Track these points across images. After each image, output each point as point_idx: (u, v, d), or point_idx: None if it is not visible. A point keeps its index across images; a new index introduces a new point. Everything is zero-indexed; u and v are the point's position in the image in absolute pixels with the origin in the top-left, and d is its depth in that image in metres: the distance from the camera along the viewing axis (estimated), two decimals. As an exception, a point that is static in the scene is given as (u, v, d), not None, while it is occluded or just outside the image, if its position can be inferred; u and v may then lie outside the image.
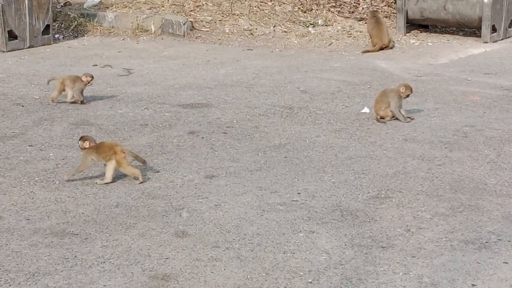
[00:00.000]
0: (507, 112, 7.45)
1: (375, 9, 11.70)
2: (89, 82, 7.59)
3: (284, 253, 4.45)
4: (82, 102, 7.58)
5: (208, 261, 4.35)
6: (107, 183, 5.53)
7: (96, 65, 9.52)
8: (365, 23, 11.49)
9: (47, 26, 10.80)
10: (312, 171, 5.80)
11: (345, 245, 4.57)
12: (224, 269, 4.25)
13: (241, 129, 6.82)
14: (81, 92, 7.62)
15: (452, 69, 9.41)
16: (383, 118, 7.06)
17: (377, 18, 10.62)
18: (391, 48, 10.49)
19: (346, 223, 4.87)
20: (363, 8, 12.41)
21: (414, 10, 11.25)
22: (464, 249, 4.55)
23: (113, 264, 4.31)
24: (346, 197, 5.30)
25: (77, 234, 4.69)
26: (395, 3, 11.64)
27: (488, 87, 8.44)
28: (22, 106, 7.61)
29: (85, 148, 5.59)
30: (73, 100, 7.55)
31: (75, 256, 4.40)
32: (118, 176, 5.65)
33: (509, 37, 11.31)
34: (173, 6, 12.09)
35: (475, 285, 4.14)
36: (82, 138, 5.66)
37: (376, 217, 4.96)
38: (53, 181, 5.60)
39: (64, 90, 7.56)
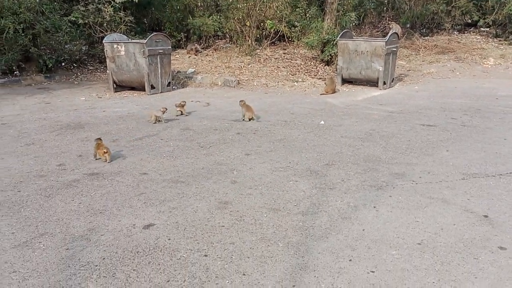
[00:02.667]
0: (391, 123, 7.39)
1: (330, 73, 11.63)
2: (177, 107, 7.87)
3: (282, 191, 4.46)
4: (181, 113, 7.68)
5: (247, 195, 4.36)
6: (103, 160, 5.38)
7: (192, 101, 9.53)
8: (323, 80, 11.43)
9: (169, 82, 10.84)
10: (296, 151, 5.79)
11: (312, 187, 4.57)
12: (254, 199, 4.26)
13: (262, 132, 6.82)
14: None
15: (364, 102, 9.33)
16: None
17: (331, 77, 10.57)
18: (335, 92, 10.42)
19: (312, 177, 4.87)
20: (321, 73, 12.34)
21: (345, 74, 11.18)
22: (370, 189, 4.52)
23: (201, 196, 4.33)
24: (313, 164, 5.29)
25: (183, 182, 4.72)
26: (336, 70, 11.57)
27: (382, 111, 8.37)
28: (158, 121, 7.66)
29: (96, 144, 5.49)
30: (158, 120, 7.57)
31: (183, 193, 4.43)
32: (203, 156, 5.67)
33: (391, 87, 11.19)
34: (229, 72, 12.13)
35: (376, 207, 4.12)
36: (97, 138, 5.55)
37: (327, 174, 4.95)
38: (172, 156, 5.62)
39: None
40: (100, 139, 5.54)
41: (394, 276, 3.06)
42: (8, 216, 3.91)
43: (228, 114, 8.12)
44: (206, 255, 3.27)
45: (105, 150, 5.36)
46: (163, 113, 7.21)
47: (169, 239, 3.49)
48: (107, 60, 10.45)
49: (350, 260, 3.25)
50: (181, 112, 7.91)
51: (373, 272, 3.11)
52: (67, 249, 3.36)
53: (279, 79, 11.71)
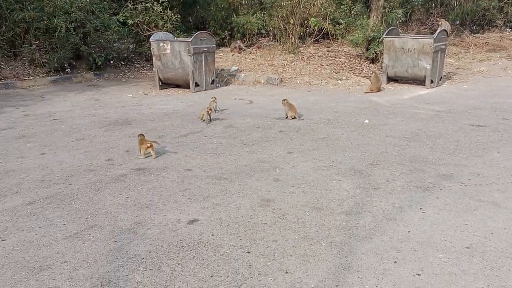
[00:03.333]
0: (438, 122, 7.18)
1: (375, 71, 11.41)
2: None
3: (325, 190, 4.42)
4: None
5: (289, 193, 4.35)
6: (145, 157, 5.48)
7: (235, 99, 9.61)
8: (368, 78, 11.26)
9: (213, 80, 10.97)
10: (339, 150, 5.73)
11: (356, 187, 4.51)
12: (297, 197, 4.25)
13: (305, 130, 6.79)
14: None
15: (410, 101, 9.11)
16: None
17: (376, 75, 10.36)
18: (380, 90, 10.23)
19: (356, 176, 4.80)
20: (365, 71, 12.14)
21: (391, 72, 10.94)
22: (416, 191, 4.42)
23: (244, 193, 4.36)
24: (356, 163, 5.22)
25: (226, 179, 4.77)
26: (382, 68, 11.34)
27: (429, 110, 8.15)
28: (203, 120, 7.77)
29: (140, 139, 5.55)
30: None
31: (226, 189, 4.47)
32: (246, 154, 5.70)
33: (439, 86, 10.86)
34: (272, 70, 12.14)
35: (422, 209, 4.02)
36: (140, 134, 5.63)
37: (371, 174, 4.88)
38: (215, 153, 5.69)
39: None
40: (142, 134, 5.66)
41: (441, 280, 2.97)
42: (60, 208, 4.08)
43: (270, 112, 8.13)
44: (249, 252, 3.29)
45: (148, 145, 5.47)
46: (208, 114, 7.18)
47: (212, 235, 3.54)
48: (154, 58, 10.69)
49: (395, 262, 3.19)
50: (209, 112, 7.57)
51: (419, 275, 3.03)
52: (115, 241, 3.47)
53: (323, 77, 11.61)
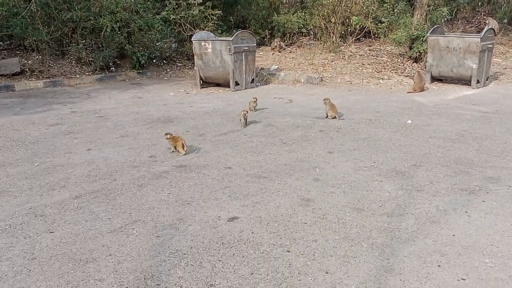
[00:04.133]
0: (485, 124, 6.94)
1: (418, 70, 11.13)
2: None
3: (367, 191, 4.36)
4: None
5: (329, 193, 4.32)
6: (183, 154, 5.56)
7: (275, 98, 9.62)
8: (411, 77, 11.02)
9: (253, 79, 11.02)
10: (381, 151, 5.64)
11: (398, 188, 4.43)
12: (337, 197, 4.22)
13: (345, 130, 6.72)
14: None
15: (455, 101, 8.85)
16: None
17: (419, 74, 10.12)
18: (423, 90, 9.98)
19: (398, 178, 4.71)
20: (408, 70, 11.87)
21: (435, 71, 10.66)
22: (461, 193, 4.29)
23: (283, 192, 4.36)
24: (399, 164, 5.12)
25: (266, 177, 4.78)
26: (425, 67, 11.06)
27: (475, 111, 7.89)
28: (240, 120, 7.82)
29: (168, 138, 5.63)
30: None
31: (266, 188, 4.49)
32: (285, 153, 5.70)
33: (485, 86, 10.50)
34: (313, 69, 12.07)
35: (467, 212, 3.90)
36: (166, 134, 5.68)
37: (414, 175, 4.77)
38: (255, 152, 5.71)
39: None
40: (169, 133, 5.68)
41: (486, 285, 2.88)
42: (105, 203, 4.21)
43: (310, 111, 8.08)
44: (288, 251, 3.29)
45: (182, 142, 5.53)
46: (245, 117, 6.94)
47: (252, 233, 3.56)
48: (195, 57, 10.84)
49: (439, 266, 3.11)
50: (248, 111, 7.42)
51: (463, 280, 2.95)
52: (158, 236, 3.54)
53: (364, 77, 11.45)
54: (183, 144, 5.58)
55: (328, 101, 7.47)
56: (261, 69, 12.51)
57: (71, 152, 5.84)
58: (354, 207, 4.00)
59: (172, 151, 5.67)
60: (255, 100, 8.04)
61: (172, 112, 8.19)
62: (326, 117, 7.43)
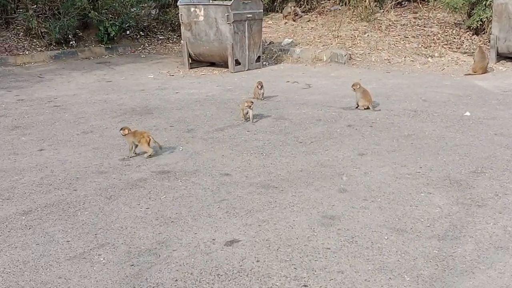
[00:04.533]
0: None
1: (480, 45, 11.07)
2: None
3: (410, 206, 4.35)
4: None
5: (361, 209, 4.32)
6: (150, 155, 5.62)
7: (288, 81, 9.63)
8: (470, 55, 10.99)
9: (259, 57, 11.05)
10: (430, 153, 5.63)
11: (452, 203, 4.42)
12: (370, 214, 4.21)
13: (382, 124, 6.71)
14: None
15: (529, 87, 8.82)
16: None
17: (481, 51, 10.06)
18: (486, 72, 9.94)
19: (453, 188, 4.70)
20: (466, 46, 11.84)
21: (503, 46, 10.62)
22: (536, 210, 4.28)
23: (299, 207, 4.37)
24: (453, 171, 5.11)
25: (276, 187, 4.79)
26: (489, 41, 11.02)
27: (555, 100, 7.86)
28: (246, 119, 7.83)
29: (125, 134, 5.63)
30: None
31: (275, 201, 4.49)
32: (302, 155, 5.71)
33: None
34: (338, 44, 12.09)
35: (544, 235, 3.88)
36: (122, 128, 5.68)
37: (474, 185, 4.76)
38: (262, 153, 5.73)
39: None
40: (127, 128, 5.64)
41: None
42: (62, 220, 4.22)
43: (335, 99, 8.08)
44: (306, 286, 3.29)
45: (147, 138, 5.51)
46: (250, 107, 6.88)
47: (258, 261, 3.56)
48: (182, 28, 10.87)
49: (506, 306, 3.10)
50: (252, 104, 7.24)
51: (540, 326, 2.93)
52: (132, 265, 3.55)
53: (407, 53, 11.44)
54: (148, 142, 5.57)
55: (358, 86, 7.45)
56: (270, 43, 12.52)
57: (17, 154, 5.86)
58: (393, 227, 3.99)
59: (132, 155, 5.63)
60: (261, 85, 8.03)
61: (151, 101, 8.21)
62: (357, 107, 7.42)
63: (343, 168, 5.23)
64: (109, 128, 6.74)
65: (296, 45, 12.31)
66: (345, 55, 11.26)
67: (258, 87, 8.07)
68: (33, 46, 12.29)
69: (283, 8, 14.78)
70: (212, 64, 11.22)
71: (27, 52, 11.97)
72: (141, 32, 13.94)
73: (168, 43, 13.71)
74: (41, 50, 12.20)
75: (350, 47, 11.92)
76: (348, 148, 5.84)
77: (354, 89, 7.46)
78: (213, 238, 3.88)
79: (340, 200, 4.49)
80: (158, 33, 14.23)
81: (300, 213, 4.26)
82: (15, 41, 12.42)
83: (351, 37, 12.45)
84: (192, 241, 3.85)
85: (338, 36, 12.48)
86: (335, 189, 4.71)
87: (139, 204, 4.48)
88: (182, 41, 11.03)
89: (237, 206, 4.40)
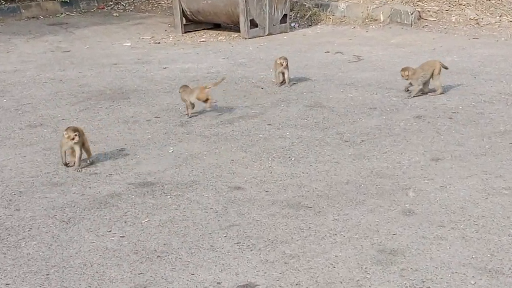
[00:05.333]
0: None
1: None
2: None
3: (509, 236, 4.31)
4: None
5: (434, 239, 4.29)
6: None
7: (328, 52, 9.61)
8: None
9: (285, 16, 11.02)
10: (538, 157, 5.59)
11: None
12: (449, 248, 4.18)
13: (466, 115, 6.67)
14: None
15: None
16: None
17: None
18: None
19: None
20: None
21: None
22: None
23: (344, 236, 4.35)
24: None
25: (310, 207, 4.77)
26: None
27: None
28: (262, 88, 7.85)
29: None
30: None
31: (309, 227, 4.48)
32: (348, 159, 5.69)
33: None
34: (401, -3, 12.01)
35: None
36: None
37: None
38: (289, 157, 5.72)
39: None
40: (74, 128, 5.55)
41: None
42: (0, 253, 4.25)
43: (398, 79, 8.03)
44: None
45: (72, 136, 5.43)
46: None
47: (283, 316, 3.56)
48: (173, -27, 10.89)
49: None
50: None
51: None
52: (100, 320, 3.56)
53: (504, 11, 11.33)
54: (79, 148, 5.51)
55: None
56: (301, -5, 12.50)
57: None
58: (483, 267, 3.95)
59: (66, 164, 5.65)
60: (285, 62, 7.66)
61: (127, 80, 8.22)
62: (427, 92, 7.39)
63: (408, 180, 5.19)
64: (66, 120, 6.76)
65: (340, -2, 12.28)
66: (412, 14, 11.19)
67: (281, 64, 7.74)
68: (-44, 0, 12.36)
69: None
70: (217, 26, 11.24)
71: None
72: (113, -21, 13.97)
73: (152, -4, 13.72)
74: (-33, 5, 12.25)
75: (419, 1, 11.83)
76: (416, 150, 5.80)
77: (424, 67, 7.33)
78: (218, 281, 3.88)
79: (405, 226, 4.46)
80: (138, -20, 14.27)
81: (345, 245, 4.23)
82: None
83: (421, -13, 12.38)
84: (187, 285, 3.85)
85: (401, -15, 12.42)
86: (397, 211, 4.68)
87: (110, 231, 4.48)
88: (172, -7, 11.04)
89: (252, 234, 4.39)
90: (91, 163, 5.66)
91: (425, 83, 7.32)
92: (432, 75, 7.30)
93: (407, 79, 7.35)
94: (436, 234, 4.36)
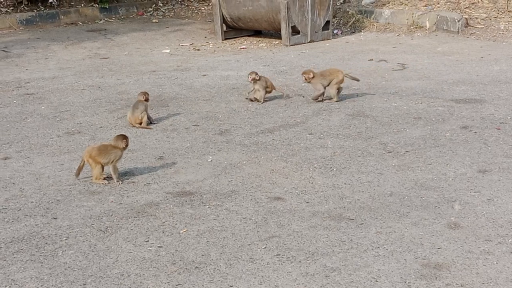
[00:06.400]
0: None
1: None
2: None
3: (559, 252, 4.27)
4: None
5: (480, 254, 4.25)
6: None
7: (372, 60, 9.58)
8: None
9: (327, 22, 11.02)
10: None
11: None
12: (497, 263, 4.14)
13: (516, 125, 6.62)
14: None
15: None
16: None
17: None
18: None
19: None
20: None
21: None
22: None
23: (387, 250, 4.33)
24: None
25: (352, 219, 4.76)
26: None
27: None
28: (303, 96, 7.85)
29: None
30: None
31: (351, 240, 4.46)
32: (392, 170, 5.67)
33: None
34: (448, 3, 11.94)
35: None
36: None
37: None
38: (331, 168, 5.71)
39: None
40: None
41: None
42: (36, 262, 4.27)
43: (444, 87, 7.99)
44: None
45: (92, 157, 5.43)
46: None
47: (324, 331, 3.55)
48: (213, -21, 10.95)
49: None
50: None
51: None
52: (136, 331, 3.57)
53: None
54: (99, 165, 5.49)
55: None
56: (344, 1, 12.48)
57: (-28, 163, 5.98)
58: (532, 283, 3.91)
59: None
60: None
61: (166, 87, 8.26)
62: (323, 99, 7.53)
63: (454, 192, 5.15)
64: (104, 127, 6.82)
65: (384, 4, 12.24)
66: (459, 21, 11.12)
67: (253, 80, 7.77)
68: (-5, 5, 12.52)
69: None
70: (257, 33, 11.27)
71: (-15, 15, 12.17)
72: (153, -15, 14.07)
73: (192, 2, 13.81)
74: (6, 11, 12.42)
75: (466, 8, 11.76)
76: (462, 161, 5.76)
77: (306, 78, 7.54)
78: (257, 293, 3.88)
79: (450, 240, 4.42)
80: (178, -14, 14.35)
81: (388, 258, 4.21)
82: (-32, -2, 12.66)
83: (468, -7, 12.31)
84: (225, 297, 3.85)
85: (448, -9, 12.36)
86: (443, 224, 4.64)
87: (147, 241, 4.50)
88: (213, 0, 11.09)
89: (293, 246, 4.38)
90: (127, 173, 5.70)
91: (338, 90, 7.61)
92: (329, 83, 7.50)
93: (309, 82, 7.55)
94: (482, 248, 4.32)
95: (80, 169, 5.52)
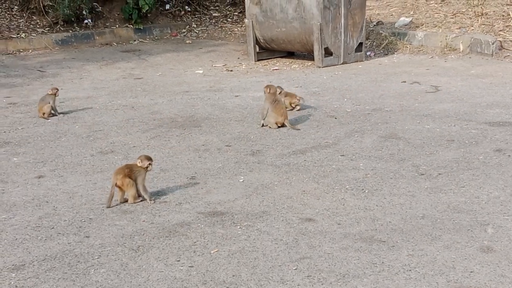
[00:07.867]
0: None
1: None
2: None
3: None
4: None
5: (514, 278, 4.22)
6: None
7: (405, 82, 9.56)
8: None
9: (360, 44, 11.02)
10: None
11: None
12: (530, 288, 4.11)
13: (549, 149, 6.57)
14: None
15: None
16: None
17: None
18: None
19: None
20: None
21: None
22: None
23: (419, 273, 4.31)
24: None
25: (384, 241, 4.74)
26: None
27: None
28: (335, 118, 7.85)
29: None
30: None
31: (382, 262, 4.44)
32: (424, 193, 5.65)
33: None
34: (482, 26, 11.90)
35: None
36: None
37: None
38: (363, 189, 5.70)
39: None
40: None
41: None
42: (68, 280, 4.30)
43: (477, 110, 7.95)
44: None
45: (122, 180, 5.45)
46: None
47: None
48: (247, 1, 10.97)
49: None
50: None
51: None
52: None
53: None
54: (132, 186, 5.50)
55: (269, 90, 7.49)
56: (378, 23, 12.49)
57: (6, 181, 6.03)
58: None
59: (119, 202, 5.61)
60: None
61: (199, 108, 8.30)
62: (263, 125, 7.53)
63: (487, 216, 5.11)
64: (137, 147, 6.87)
65: (418, 26, 12.22)
66: (493, 43, 11.07)
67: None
68: (31, 26, 12.66)
69: (398, -28, 14.74)
70: (290, 54, 11.29)
71: (23, 35, 12.31)
72: (186, 7, 14.17)
73: (225, 23, 13.88)
74: (43, 31, 12.56)
75: (501, 30, 11.70)
76: (496, 184, 5.71)
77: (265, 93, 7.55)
78: (287, 315, 3.88)
79: (483, 263, 4.38)
80: (211, 8, 14.46)
81: (420, 281, 4.18)
82: (6, 19, 12.79)
83: (503, 16, 12.23)
84: (256, 318, 3.85)
85: (482, 14, 12.29)
86: (475, 247, 4.61)
87: (179, 261, 4.52)
88: (246, 20, 11.16)
89: (324, 268, 4.37)
90: (159, 193, 5.73)
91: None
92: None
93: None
94: (516, 272, 4.29)
95: (112, 196, 5.52)
